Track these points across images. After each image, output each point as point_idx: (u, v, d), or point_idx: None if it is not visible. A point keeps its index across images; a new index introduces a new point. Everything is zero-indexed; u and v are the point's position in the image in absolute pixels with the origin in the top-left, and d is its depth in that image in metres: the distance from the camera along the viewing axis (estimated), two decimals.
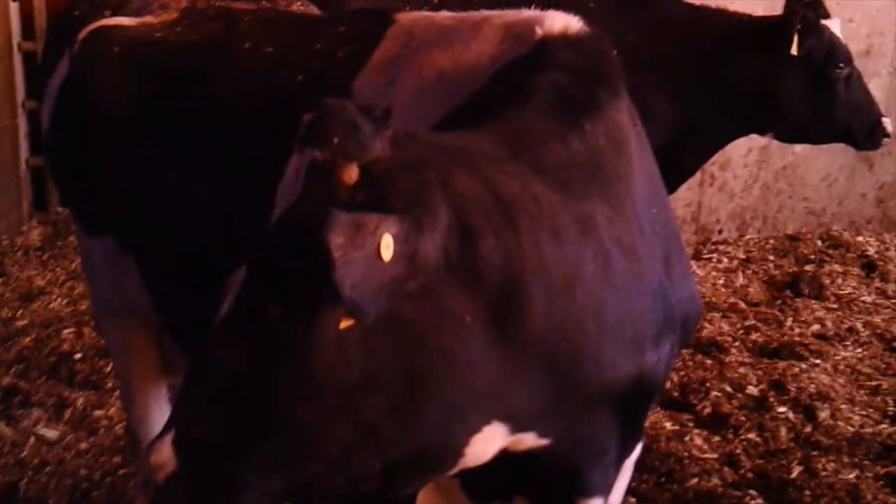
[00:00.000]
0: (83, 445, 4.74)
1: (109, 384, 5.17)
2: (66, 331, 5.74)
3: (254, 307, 1.84)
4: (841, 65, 4.87)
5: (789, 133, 5.13)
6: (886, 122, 5.09)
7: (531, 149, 2.20)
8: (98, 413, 4.98)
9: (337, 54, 2.91)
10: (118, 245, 3.35)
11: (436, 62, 2.61)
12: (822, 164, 7.73)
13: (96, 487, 4.46)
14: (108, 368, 5.25)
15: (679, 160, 4.85)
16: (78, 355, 5.48)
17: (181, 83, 3.14)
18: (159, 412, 3.91)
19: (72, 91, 3.37)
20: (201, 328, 3.14)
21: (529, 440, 2.20)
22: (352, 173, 1.85)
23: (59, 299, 6.21)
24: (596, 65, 2.42)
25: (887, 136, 5.12)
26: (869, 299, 6.55)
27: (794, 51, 4.69)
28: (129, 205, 3.24)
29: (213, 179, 2.98)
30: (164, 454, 1.86)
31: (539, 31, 2.45)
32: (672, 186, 4.50)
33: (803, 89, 4.82)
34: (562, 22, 2.48)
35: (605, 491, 2.53)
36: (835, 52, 4.86)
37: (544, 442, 2.22)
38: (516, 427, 2.15)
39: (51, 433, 4.82)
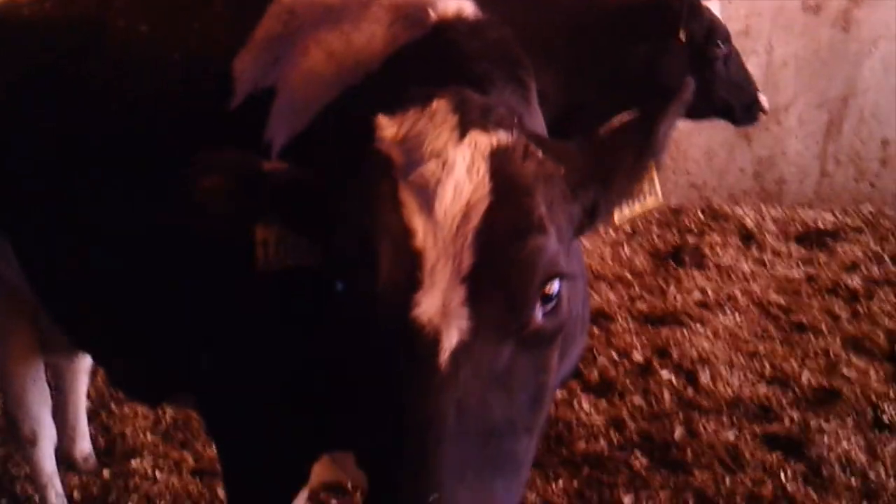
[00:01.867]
0: None
1: None
2: None
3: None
4: (720, 44, 5.02)
5: None
6: (763, 99, 5.29)
7: None
8: None
9: (215, 32, 2.82)
10: None
11: (323, 41, 2.54)
12: (703, 139, 7.99)
13: None
14: None
15: (566, 138, 4.94)
16: None
17: (52, 62, 3.04)
18: (37, 392, 3.86)
19: None
20: (80, 309, 3.12)
21: None
22: (533, 148, 1.89)
23: None
24: (505, 53, 2.38)
25: (764, 112, 5.32)
26: (747, 268, 6.78)
27: (683, 38, 4.83)
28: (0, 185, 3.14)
29: (86, 158, 2.89)
30: None
31: (433, 15, 2.41)
32: None
33: (685, 69, 4.94)
34: (454, 5, 2.45)
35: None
36: (714, 31, 5.00)
37: None
38: None
39: None
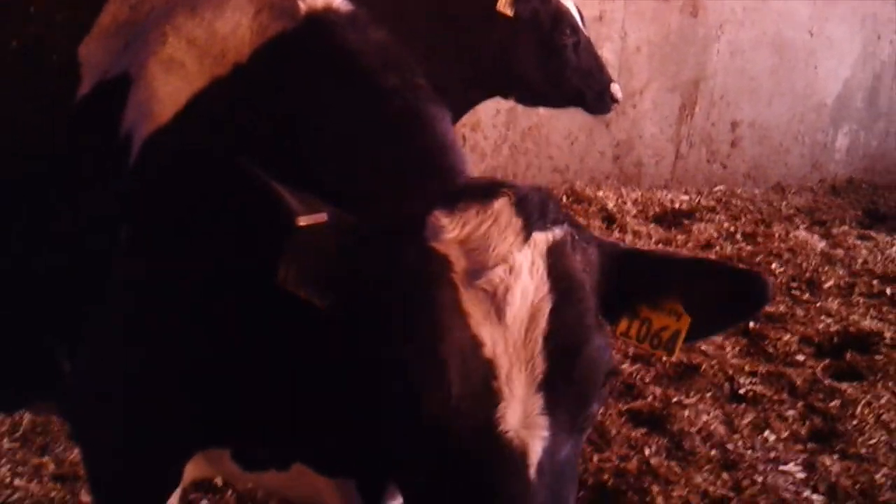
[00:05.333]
0: None
1: None
2: None
3: None
4: (568, 31, 5.08)
5: (527, 97, 5.31)
6: (615, 87, 5.36)
7: None
8: None
9: (55, 18, 2.67)
10: None
11: (182, 28, 2.43)
12: (564, 124, 8.13)
13: None
14: None
15: None
16: None
17: None
18: None
19: None
20: None
21: None
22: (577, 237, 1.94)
23: None
24: (389, 51, 2.37)
25: (616, 100, 5.41)
26: None
27: (503, 9, 4.82)
28: None
29: None
30: None
31: (302, 6, 2.35)
32: None
33: (534, 56, 4.99)
34: None
35: None
36: (561, 19, 5.05)
37: None
38: None
39: None
